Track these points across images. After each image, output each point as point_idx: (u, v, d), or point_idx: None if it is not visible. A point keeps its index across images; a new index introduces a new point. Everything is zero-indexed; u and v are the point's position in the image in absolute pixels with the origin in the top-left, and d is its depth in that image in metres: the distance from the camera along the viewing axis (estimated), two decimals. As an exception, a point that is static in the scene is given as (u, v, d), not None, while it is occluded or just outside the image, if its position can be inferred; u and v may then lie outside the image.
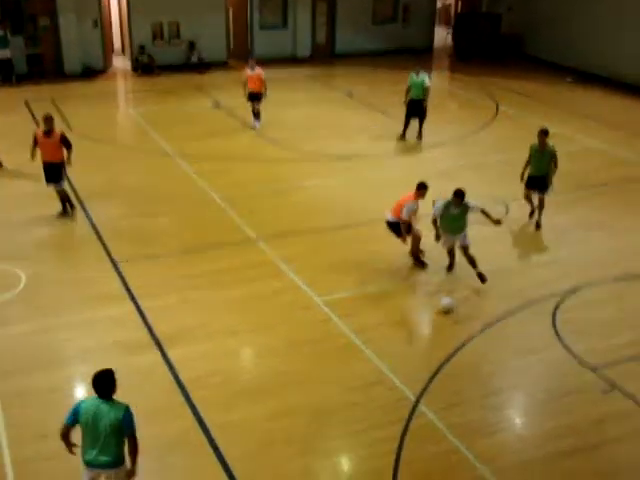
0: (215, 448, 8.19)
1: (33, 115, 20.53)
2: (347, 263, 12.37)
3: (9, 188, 15.63)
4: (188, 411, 8.78)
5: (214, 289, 11.63)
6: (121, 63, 28.41)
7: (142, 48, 26.61)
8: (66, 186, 14.31)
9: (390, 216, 12.25)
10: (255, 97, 19.52)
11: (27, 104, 21.81)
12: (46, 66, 25.54)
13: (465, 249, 11.76)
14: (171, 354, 9.87)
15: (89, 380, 9.39)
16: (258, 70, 19.40)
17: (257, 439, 8.37)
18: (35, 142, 13.85)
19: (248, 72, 19.45)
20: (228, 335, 10.39)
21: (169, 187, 15.87)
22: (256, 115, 19.68)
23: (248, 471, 7.88)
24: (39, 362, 9.74)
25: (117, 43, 29.34)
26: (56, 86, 24.35)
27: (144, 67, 26.60)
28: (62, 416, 8.74)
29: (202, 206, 14.89)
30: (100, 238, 13.27)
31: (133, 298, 11.25)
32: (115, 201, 15.07)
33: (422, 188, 12.06)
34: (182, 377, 9.38)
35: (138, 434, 6.66)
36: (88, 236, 13.41)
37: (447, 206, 11.55)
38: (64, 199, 14.16)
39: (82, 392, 9.43)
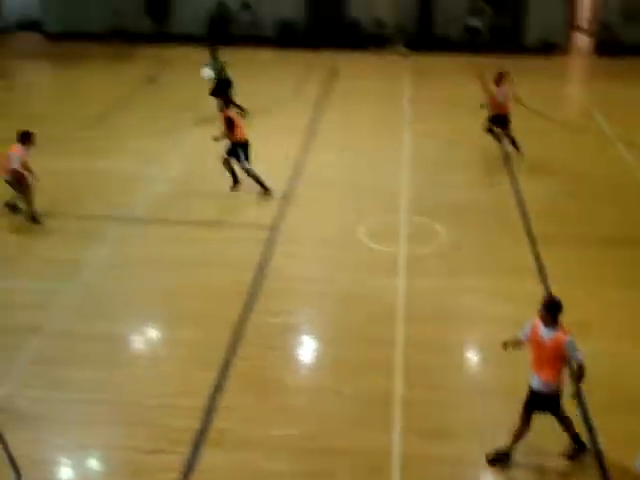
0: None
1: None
2: None
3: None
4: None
5: (624, 288, 10.91)
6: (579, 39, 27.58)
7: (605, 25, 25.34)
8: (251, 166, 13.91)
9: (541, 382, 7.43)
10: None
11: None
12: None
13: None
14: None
15: (486, 346, 9.57)
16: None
17: None
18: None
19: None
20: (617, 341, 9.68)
21: (606, 172, 15.27)
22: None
23: None
24: (440, 316, 10.20)
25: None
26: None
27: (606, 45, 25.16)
28: (459, 369, 9.03)
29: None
30: (522, 210, 13.31)
31: (544, 279, 11.09)
32: (544, 176, 14.99)
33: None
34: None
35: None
36: (509, 205, 13.56)
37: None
38: (253, 179, 13.85)
39: (475, 356, 9.65)
